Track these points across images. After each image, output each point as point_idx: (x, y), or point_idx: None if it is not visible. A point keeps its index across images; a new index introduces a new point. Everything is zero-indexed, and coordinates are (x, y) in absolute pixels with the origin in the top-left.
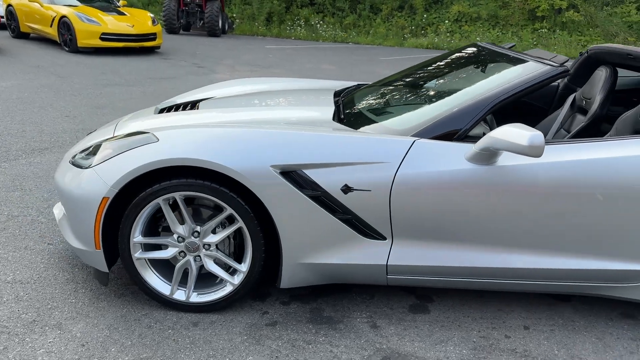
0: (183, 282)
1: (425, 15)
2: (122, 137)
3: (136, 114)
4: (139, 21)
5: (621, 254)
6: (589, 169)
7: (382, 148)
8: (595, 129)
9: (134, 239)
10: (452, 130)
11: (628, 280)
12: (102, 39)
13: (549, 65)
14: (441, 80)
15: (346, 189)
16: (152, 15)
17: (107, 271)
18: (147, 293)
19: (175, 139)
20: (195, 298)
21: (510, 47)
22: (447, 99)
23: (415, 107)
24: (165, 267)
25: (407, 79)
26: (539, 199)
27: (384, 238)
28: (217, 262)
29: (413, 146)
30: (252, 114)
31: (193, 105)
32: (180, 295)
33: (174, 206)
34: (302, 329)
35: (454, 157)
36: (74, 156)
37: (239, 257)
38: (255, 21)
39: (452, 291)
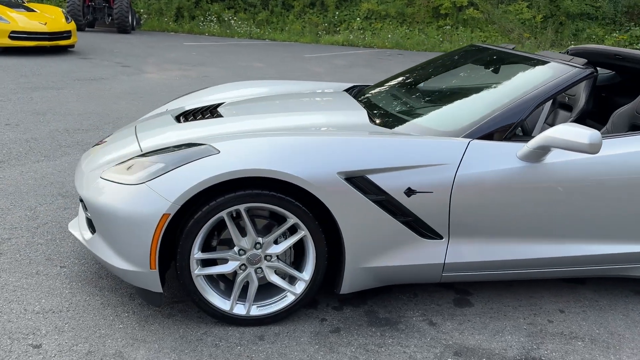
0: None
1: (337, 13)
2: (172, 150)
3: (150, 122)
4: (52, 18)
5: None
6: (626, 162)
7: (441, 150)
8: (583, 123)
9: (195, 256)
10: (500, 130)
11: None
12: (11, 37)
13: (577, 67)
14: (467, 81)
15: (409, 192)
16: (64, 11)
17: (162, 291)
18: (204, 310)
19: (239, 150)
20: (256, 311)
21: (512, 49)
22: (487, 99)
23: (454, 107)
24: (214, 282)
25: (424, 79)
26: (582, 192)
27: (441, 237)
28: (277, 272)
29: (469, 147)
30: (287, 120)
31: (212, 111)
32: (239, 309)
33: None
34: (367, 332)
35: (506, 156)
36: (104, 170)
37: (296, 267)
38: (163, 17)
39: (485, 283)
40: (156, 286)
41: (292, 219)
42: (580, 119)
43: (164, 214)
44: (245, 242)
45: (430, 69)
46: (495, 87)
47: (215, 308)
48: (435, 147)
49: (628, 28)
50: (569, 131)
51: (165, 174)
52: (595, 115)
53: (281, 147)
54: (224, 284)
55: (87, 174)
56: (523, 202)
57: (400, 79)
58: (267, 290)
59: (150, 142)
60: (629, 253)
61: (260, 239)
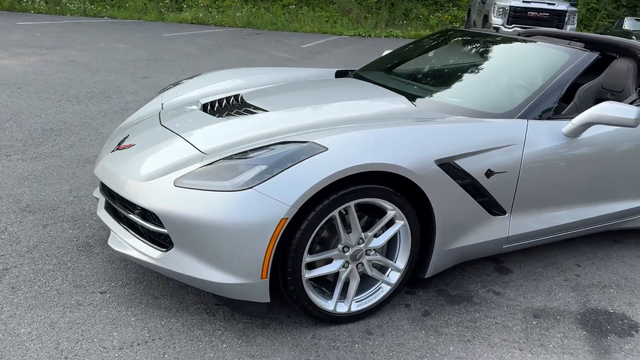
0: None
1: None
2: (267, 151)
3: (182, 119)
4: None
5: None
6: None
7: (510, 131)
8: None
9: (306, 259)
10: (546, 110)
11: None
12: None
13: (587, 51)
14: (486, 64)
15: (489, 173)
16: None
17: (269, 301)
18: (311, 314)
19: (347, 145)
20: (355, 307)
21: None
22: (523, 82)
23: (495, 90)
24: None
25: (434, 62)
26: (613, 160)
27: (505, 213)
28: (374, 266)
29: (528, 127)
30: (336, 110)
31: (243, 103)
32: (341, 308)
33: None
34: (453, 311)
35: (555, 133)
36: (176, 177)
37: (388, 257)
38: None
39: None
40: (264, 296)
41: (393, 211)
42: None
43: (282, 219)
44: (349, 239)
45: (429, 52)
46: (522, 70)
47: (321, 310)
48: (505, 129)
49: (448, 8)
50: (614, 108)
51: (273, 176)
52: None
53: (384, 140)
54: (318, 284)
55: (141, 184)
56: (567, 173)
57: (399, 62)
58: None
59: (207, 141)
60: (629, 209)
61: (363, 234)
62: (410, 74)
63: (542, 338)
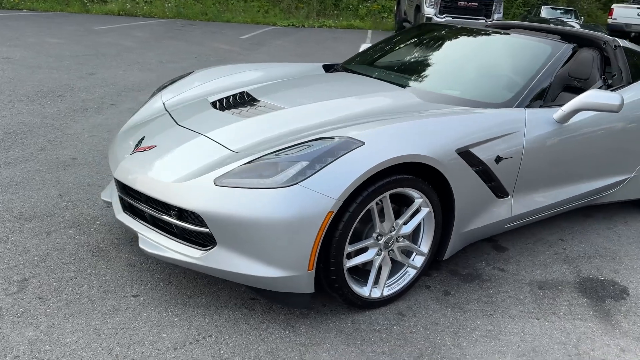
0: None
1: None
2: (305, 147)
3: (201, 117)
4: None
5: (614, 172)
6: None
7: (512, 120)
8: None
9: (348, 249)
10: (537, 98)
11: (612, 189)
12: None
13: (567, 43)
14: (473, 57)
15: (498, 159)
16: None
17: (313, 291)
18: (350, 301)
19: (382, 139)
20: (387, 292)
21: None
22: (514, 73)
23: (490, 81)
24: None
25: (419, 56)
26: (594, 143)
27: (508, 195)
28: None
29: (526, 115)
30: (350, 105)
31: (254, 100)
32: (375, 293)
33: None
34: (469, 289)
35: (548, 119)
36: (221, 178)
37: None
38: None
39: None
40: (310, 287)
41: (420, 199)
42: None
43: (328, 212)
44: (383, 228)
45: (413, 46)
46: (511, 61)
47: (359, 296)
48: (509, 118)
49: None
50: (601, 95)
51: (317, 172)
52: None
53: (413, 132)
54: (351, 273)
55: (177, 185)
56: (558, 155)
57: (383, 57)
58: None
59: (234, 140)
60: (604, 186)
61: (394, 222)
62: (403, 67)
63: (552, 307)
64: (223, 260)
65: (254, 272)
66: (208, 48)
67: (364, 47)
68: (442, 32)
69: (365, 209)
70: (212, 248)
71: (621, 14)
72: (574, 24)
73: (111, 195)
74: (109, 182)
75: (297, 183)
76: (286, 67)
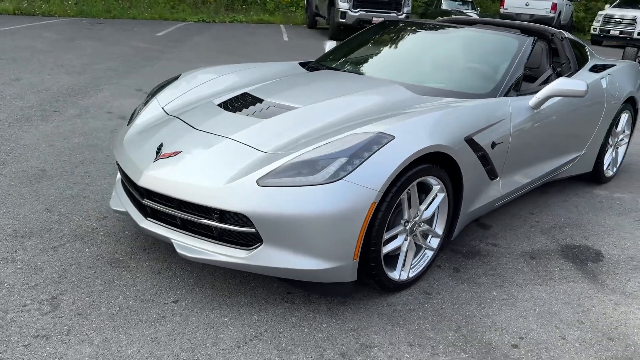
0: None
1: None
2: (340, 144)
3: (218, 120)
4: None
5: (570, 151)
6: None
7: (501, 108)
8: None
9: (386, 236)
10: (515, 88)
11: (568, 165)
12: None
13: (530, 37)
14: (449, 51)
15: (493, 145)
16: None
17: (356, 279)
18: (381, 284)
19: (409, 131)
20: (412, 274)
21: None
22: (490, 65)
23: (472, 73)
24: None
25: (403, 52)
26: (561, 124)
27: (497, 177)
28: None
29: (510, 104)
30: (357, 102)
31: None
32: (403, 276)
33: None
34: (473, 264)
35: (526, 106)
36: (263, 179)
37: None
38: None
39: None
40: (353, 276)
41: (438, 185)
42: None
43: (372, 203)
44: (409, 214)
45: (386, 43)
46: (485, 55)
47: (391, 280)
48: (499, 106)
49: None
50: (569, 82)
51: (358, 167)
52: None
53: (432, 124)
54: None
55: (217, 188)
56: (535, 137)
57: (360, 55)
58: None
59: (262, 142)
60: (565, 162)
61: (418, 209)
62: (387, 64)
63: (547, 274)
64: (270, 257)
65: (301, 266)
66: (128, 47)
67: (329, 44)
68: (410, 28)
69: (399, 198)
70: (258, 247)
71: (511, 4)
72: (472, 14)
73: (123, 204)
74: (114, 191)
75: (341, 178)
76: (268, 66)
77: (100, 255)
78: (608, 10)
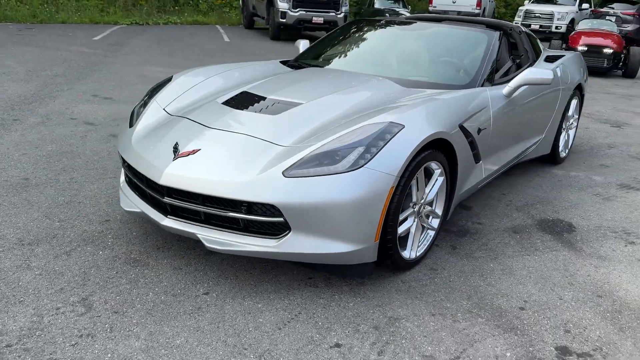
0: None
1: None
2: (356, 135)
3: (227, 119)
4: None
5: (533, 135)
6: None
7: (483, 97)
8: None
9: (399, 218)
10: (489, 78)
11: (531, 148)
12: None
13: (496, 31)
14: (423, 45)
15: (479, 131)
16: None
17: (376, 259)
18: (395, 264)
19: (416, 120)
20: (419, 253)
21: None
22: (466, 58)
23: (450, 66)
24: None
25: (381, 48)
26: (527, 110)
27: (480, 160)
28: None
29: (489, 93)
30: (357, 96)
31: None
32: (412, 255)
33: None
34: (466, 241)
35: (501, 95)
36: (288, 170)
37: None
38: None
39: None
40: (374, 256)
41: (438, 169)
42: None
43: (391, 187)
44: (417, 197)
45: (363, 40)
46: (459, 48)
47: (403, 259)
48: (481, 96)
49: None
50: (538, 72)
51: (375, 155)
52: None
53: (435, 113)
54: None
55: (245, 182)
56: (507, 124)
57: (339, 52)
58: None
59: (279, 136)
60: (530, 145)
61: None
62: (367, 61)
63: (532, 245)
64: (298, 244)
65: (328, 250)
66: (68, 52)
67: (303, 44)
68: (382, 26)
69: (411, 181)
70: (286, 235)
71: (439, 1)
72: (404, 12)
73: (136, 204)
74: (121, 193)
75: (362, 166)
76: (254, 66)
77: (117, 257)
78: (528, 5)
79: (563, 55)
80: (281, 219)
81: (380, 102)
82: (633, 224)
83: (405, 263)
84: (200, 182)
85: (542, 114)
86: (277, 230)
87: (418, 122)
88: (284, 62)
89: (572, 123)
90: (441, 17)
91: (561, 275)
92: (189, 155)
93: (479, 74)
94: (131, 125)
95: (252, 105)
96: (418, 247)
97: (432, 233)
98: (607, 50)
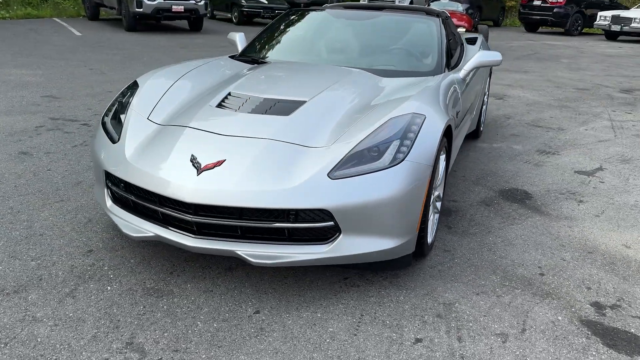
0: None
1: None
2: (386, 130)
3: (233, 122)
4: None
5: (471, 112)
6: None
7: (452, 81)
8: None
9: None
10: (448, 64)
11: (469, 126)
12: None
13: (439, 17)
14: (381, 34)
15: (457, 114)
16: None
17: (414, 250)
18: (421, 251)
19: (431, 109)
20: (432, 237)
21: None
22: (423, 45)
23: (412, 53)
24: None
25: (337, 38)
26: (471, 91)
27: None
28: None
29: (450, 75)
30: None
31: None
32: (430, 240)
33: None
34: (455, 220)
35: (458, 78)
36: (332, 172)
37: None
38: None
39: None
40: (413, 247)
41: (443, 155)
42: None
43: (428, 177)
44: (436, 183)
45: (313, 29)
46: (412, 37)
47: (428, 245)
48: (452, 79)
49: None
50: (489, 54)
51: (411, 147)
52: None
53: (441, 101)
54: None
55: (289, 190)
56: (464, 104)
57: (293, 44)
58: None
59: (306, 137)
60: (470, 124)
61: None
62: (330, 52)
63: (508, 214)
64: (349, 246)
65: (378, 247)
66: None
67: (239, 37)
68: (325, 15)
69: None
70: (337, 238)
71: None
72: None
73: (147, 229)
74: (116, 219)
75: (403, 160)
76: (212, 65)
77: (131, 290)
78: None
79: (477, 38)
80: (331, 222)
81: (374, 94)
82: (570, 185)
83: (428, 249)
84: (239, 195)
85: (477, 93)
86: (325, 235)
87: (433, 112)
88: (233, 57)
89: (486, 99)
90: (384, 6)
91: (550, 239)
92: (214, 167)
93: (442, 60)
94: (113, 140)
95: (253, 107)
96: (433, 231)
97: (437, 217)
98: (461, 30)
